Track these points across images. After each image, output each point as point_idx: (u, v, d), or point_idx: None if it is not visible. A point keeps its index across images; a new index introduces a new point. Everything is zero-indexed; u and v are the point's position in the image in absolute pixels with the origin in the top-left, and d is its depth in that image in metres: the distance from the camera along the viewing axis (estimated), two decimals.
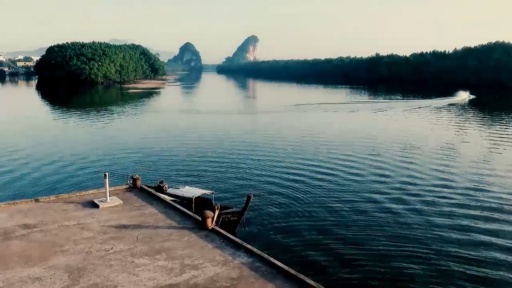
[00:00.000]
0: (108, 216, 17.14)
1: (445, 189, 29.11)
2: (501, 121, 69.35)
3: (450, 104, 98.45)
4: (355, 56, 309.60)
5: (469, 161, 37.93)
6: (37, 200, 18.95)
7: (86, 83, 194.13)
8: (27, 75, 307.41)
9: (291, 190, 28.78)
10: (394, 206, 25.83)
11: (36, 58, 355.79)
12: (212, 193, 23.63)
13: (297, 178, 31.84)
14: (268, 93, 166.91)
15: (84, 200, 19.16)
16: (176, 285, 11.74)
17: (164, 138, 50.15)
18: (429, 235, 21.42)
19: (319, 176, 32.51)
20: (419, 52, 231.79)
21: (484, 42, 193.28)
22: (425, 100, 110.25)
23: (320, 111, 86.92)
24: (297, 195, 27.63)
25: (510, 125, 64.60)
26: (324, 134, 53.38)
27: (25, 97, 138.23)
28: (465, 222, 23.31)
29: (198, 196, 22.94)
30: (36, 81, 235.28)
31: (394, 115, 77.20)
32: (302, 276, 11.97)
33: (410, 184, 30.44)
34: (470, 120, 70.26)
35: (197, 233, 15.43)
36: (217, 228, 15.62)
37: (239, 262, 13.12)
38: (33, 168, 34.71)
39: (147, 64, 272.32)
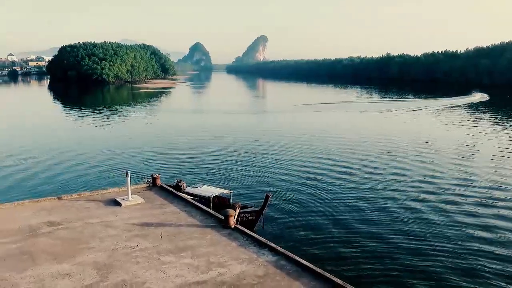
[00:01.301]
0: (131, 214, 17.33)
1: (465, 188, 29.14)
2: None
3: (464, 104, 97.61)
4: (366, 56, 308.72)
5: (488, 160, 37.74)
6: (60, 198, 19.21)
7: (98, 83, 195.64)
8: (39, 75, 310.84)
9: (307, 188, 28.93)
10: (412, 203, 26.06)
11: (47, 58, 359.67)
12: (230, 192, 23.75)
13: (313, 176, 32.00)
14: (279, 92, 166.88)
15: (106, 199, 19.38)
16: (204, 282, 11.86)
17: (179, 137, 50.63)
18: (451, 232, 21.40)
19: (335, 174, 32.69)
20: (430, 51, 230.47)
21: (497, 42, 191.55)
22: (439, 99, 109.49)
23: (333, 110, 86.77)
24: (314, 194, 27.76)
25: None
26: (338, 132, 53.44)
27: (39, 97, 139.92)
28: (487, 219, 23.29)
29: (216, 195, 23.09)
30: (48, 81, 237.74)
31: (406, 114, 76.84)
32: (328, 275, 12.03)
33: (428, 182, 30.53)
34: (484, 119, 69.68)
35: (219, 231, 15.54)
36: (240, 227, 15.74)
37: (264, 260, 13.21)
38: (53, 167, 35.40)
39: (157, 64, 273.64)
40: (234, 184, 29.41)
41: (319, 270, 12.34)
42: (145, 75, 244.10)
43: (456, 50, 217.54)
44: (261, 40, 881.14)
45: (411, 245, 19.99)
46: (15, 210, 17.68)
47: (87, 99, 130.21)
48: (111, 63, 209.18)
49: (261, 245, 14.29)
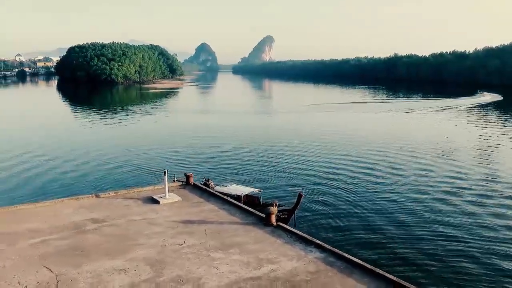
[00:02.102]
0: (171, 212, 17.57)
1: (489, 188, 29.19)
2: None
3: (475, 104, 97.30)
4: (373, 56, 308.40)
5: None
6: (97, 196, 19.48)
7: (107, 83, 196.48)
8: (47, 75, 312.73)
9: (335, 187, 29.32)
10: (438, 202, 26.27)
11: (55, 58, 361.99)
12: (260, 191, 23.99)
13: (337, 175, 32.42)
14: (287, 93, 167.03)
15: (142, 196, 19.64)
16: (258, 278, 12.06)
17: (198, 137, 51.23)
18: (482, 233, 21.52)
19: (358, 172, 33.28)
20: (439, 52, 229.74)
21: (506, 42, 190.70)
22: (446, 100, 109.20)
23: (345, 110, 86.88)
24: (340, 192, 28.10)
25: None
26: (354, 132, 53.80)
27: (50, 98, 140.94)
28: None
29: (246, 194, 23.32)
30: (57, 81, 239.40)
31: (415, 114, 76.83)
32: (380, 271, 12.20)
33: (455, 183, 30.55)
34: (495, 120, 69.56)
35: (262, 229, 15.74)
36: (282, 224, 15.94)
37: (312, 257, 13.39)
38: (81, 166, 36.06)
39: (165, 64, 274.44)
40: (260, 183, 29.64)
41: (370, 266, 12.51)
42: (153, 76, 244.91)
43: (465, 50, 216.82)
44: (267, 41, 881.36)
45: (446, 242, 20.19)
46: (56, 208, 17.96)
47: (98, 99, 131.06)
48: (119, 63, 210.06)
49: (306, 242, 14.47)
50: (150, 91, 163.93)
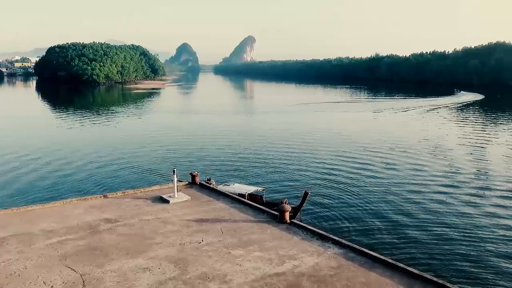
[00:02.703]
0: (182, 211, 17.61)
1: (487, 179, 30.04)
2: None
3: (458, 103, 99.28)
4: (354, 57, 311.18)
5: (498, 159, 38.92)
6: (105, 196, 19.40)
7: (88, 84, 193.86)
8: (25, 75, 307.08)
9: (333, 184, 29.82)
10: (436, 198, 26.73)
11: (33, 59, 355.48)
12: (263, 189, 24.17)
13: (336, 172, 33.06)
14: (270, 93, 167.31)
15: (150, 196, 19.62)
16: (282, 273, 12.23)
17: (195, 137, 51.44)
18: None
19: (358, 170, 34.08)
20: (419, 52, 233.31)
21: (485, 43, 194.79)
22: (432, 99, 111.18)
23: (328, 110, 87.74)
24: (341, 189, 28.71)
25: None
26: (340, 129, 54.36)
27: (31, 98, 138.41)
28: None
29: (250, 193, 23.46)
30: (35, 81, 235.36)
31: (402, 114, 78.10)
32: (401, 265, 12.52)
33: (450, 177, 31.32)
34: (481, 118, 71.20)
35: (277, 226, 15.92)
36: (296, 221, 16.15)
37: (332, 252, 13.63)
38: (80, 168, 35.77)
39: (147, 64, 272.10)
40: (259, 181, 29.86)
41: (391, 260, 12.82)
42: (135, 76, 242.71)
43: (444, 50, 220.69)
44: (249, 41, 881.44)
45: (442, 227, 20.78)
46: (66, 208, 17.84)
47: (80, 100, 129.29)
48: (101, 63, 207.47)
49: (323, 238, 14.71)
50: (133, 91, 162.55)
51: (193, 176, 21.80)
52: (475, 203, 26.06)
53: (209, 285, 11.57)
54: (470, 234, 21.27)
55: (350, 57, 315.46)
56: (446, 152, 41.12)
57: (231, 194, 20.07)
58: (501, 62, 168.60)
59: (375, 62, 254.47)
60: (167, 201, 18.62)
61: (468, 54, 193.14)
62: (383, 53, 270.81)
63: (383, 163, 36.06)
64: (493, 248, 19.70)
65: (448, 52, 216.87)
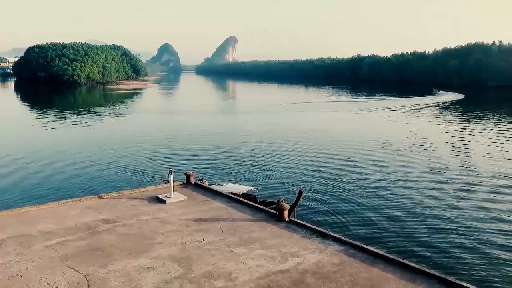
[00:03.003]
0: (180, 211, 17.61)
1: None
2: (490, 119, 72.07)
3: (439, 103, 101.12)
4: (336, 57, 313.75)
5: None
6: (101, 197, 19.26)
7: (69, 84, 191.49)
8: (3, 76, 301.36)
9: (326, 182, 30.43)
10: (423, 192, 27.35)
11: (11, 59, 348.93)
12: (257, 189, 24.33)
13: (326, 170, 33.73)
14: (256, 93, 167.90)
15: (146, 196, 19.56)
16: (287, 271, 12.37)
17: (182, 137, 51.24)
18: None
19: (347, 168, 35.37)
20: (400, 52, 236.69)
21: (464, 43, 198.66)
22: (413, 98, 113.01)
23: (314, 109, 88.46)
24: (334, 187, 29.31)
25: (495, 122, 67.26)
26: (323, 128, 55.00)
27: (10, 98, 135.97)
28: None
29: (243, 192, 23.60)
30: (13, 82, 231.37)
31: (384, 113, 79.22)
32: (402, 260, 12.78)
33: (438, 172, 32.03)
34: (460, 117, 72.73)
35: (276, 224, 16.06)
36: (295, 219, 16.32)
37: (333, 249, 13.82)
38: (65, 169, 35.61)
39: (128, 65, 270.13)
40: (251, 181, 30.05)
41: (391, 256, 13.08)
42: (117, 76, 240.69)
43: (425, 51, 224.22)
44: (231, 41, 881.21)
45: (425, 218, 21.46)
46: (61, 209, 17.67)
47: (62, 101, 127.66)
48: (82, 64, 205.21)
49: (323, 235, 14.90)
50: (115, 92, 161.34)
51: (188, 176, 21.80)
52: (464, 196, 26.91)
53: (215, 283, 11.63)
54: (461, 226, 22.00)
55: (332, 57, 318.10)
56: (431, 149, 42.51)
57: (226, 194, 20.13)
58: (479, 62, 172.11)
59: (357, 63, 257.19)
60: (163, 201, 18.60)
61: (447, 54, 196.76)
62: (365, 53, 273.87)
63: (370, 160, 36.97)
64: (484, 239, 20.28)
65: (428, 52, 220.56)
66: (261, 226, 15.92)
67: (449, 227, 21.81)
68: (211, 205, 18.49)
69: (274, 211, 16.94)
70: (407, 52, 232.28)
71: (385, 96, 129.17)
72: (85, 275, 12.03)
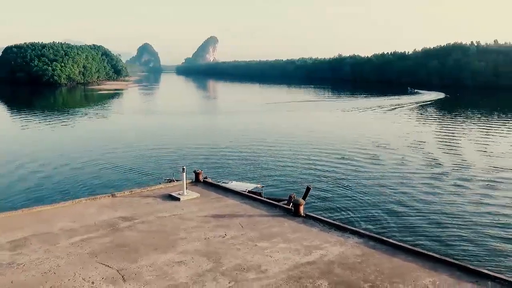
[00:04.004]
0: (196, 207, 17.89)
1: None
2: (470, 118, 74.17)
3: (421, 102, 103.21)
4: (317, 57, 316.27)
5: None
6: (113, 195, 19.38)
7: (50, 85, 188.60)
8: None
9: (326, 177, 31.09)
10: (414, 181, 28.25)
11: None
12: (262, 186, 24.73)
13: (323, 167, 34.49)
14: (239, 93, 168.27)
15: (158, 194, 19.77)
16: (313, 262, 12.81)
17: (175, 136, 51.55)
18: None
19: (346, 164, 36.06)
20: (380, 53, 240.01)
21: (443, 44, 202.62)
22: (395, 98, 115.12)
23: (298, 109, 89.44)
24: (335, 182, 30.04)
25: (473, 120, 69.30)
26: (327, 127, 55.88)
27: None
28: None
29: (250, 190, 23.99)
30: None
31: (364, 113, 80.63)
32: (421, 250, 13.37)
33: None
34: (443, 116, 74.58)
35: (293, 219, 16.49)
36: (311, 214, 16.78)
37: (353, 242, 14.32)
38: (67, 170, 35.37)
39: (109, 65, 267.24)
40: (252, 178, 30.51)
41: (409, 246, 13.65)
42: (98, 77, 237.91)
43: (405, 51, 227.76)
44: (211, 41, 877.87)
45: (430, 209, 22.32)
46: (77, 208, 17.76)
47: (43, 102, 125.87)
48: (62, 64, 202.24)
49: (340, 229, 15.40)
50: (98, 92, 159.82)
51: (197, 174, 22.07)
52: (466, 187, 28.12)
53: (247, 275, 11.99)
54: (465, 218, 22.94)
55: (313, 57, 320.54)
56: (420, 144, 43.87)
57: (237, 191, 20.50)
58: (459, 63, 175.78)
59: (338, 63, 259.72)
60: (177, 199, 18.84)
61: (428, 54, 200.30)
62: (346, 53, 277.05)
63: (367, 157, 37.95)
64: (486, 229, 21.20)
65: (408, 52, 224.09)
66: (279, 221, 16.34)
67: (448, 217, 22.82)
68: (225, 202, 18.82)
69: (289, 207, 17.38)
70: (387, 52, 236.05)
71: (366, 95, 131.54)
72: (117, 270, 12.24)
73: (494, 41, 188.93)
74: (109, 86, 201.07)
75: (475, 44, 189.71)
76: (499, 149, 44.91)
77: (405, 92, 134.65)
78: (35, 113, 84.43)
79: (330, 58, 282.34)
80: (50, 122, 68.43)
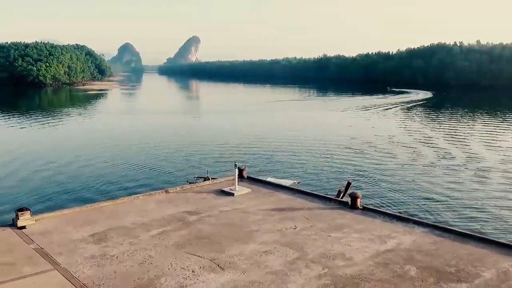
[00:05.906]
0: (252, 202, 18.40)
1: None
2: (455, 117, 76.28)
3: (408, 101, 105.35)
4: (302, 57, 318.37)
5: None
6: (167, 192, 19.78)
7: (34, 85, 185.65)
8: None
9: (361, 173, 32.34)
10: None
11: None
12: (299, 182, 25.35)
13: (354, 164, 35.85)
14: (226, 93, 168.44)
15: (209, 190, 20.18)
16: (392, 250, 13.48)
17: (198, 137, 52.14)
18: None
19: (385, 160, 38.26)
20: (365, 53, 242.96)
21: (427, 44, 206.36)
22: (382, 97, 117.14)
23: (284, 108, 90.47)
24: (370, 179, 31.17)
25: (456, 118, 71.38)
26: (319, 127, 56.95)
27: None
28: None
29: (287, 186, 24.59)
30: None
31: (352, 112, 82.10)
32: (490, 237, 14.21)
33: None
34: (434, 114, 76.49)
35: (352, 212, 17.13)
36: (369, 206, 17.50)
37: (420, 231, 15.02)
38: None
39: (93, 65, 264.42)
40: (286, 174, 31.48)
41: (478, 234, 14.48)
42: (82, 77, 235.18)
43: (389, 51, 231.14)
44: (193, 41, 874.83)
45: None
46: (137, 203, 18.06)
47: (28, 103, 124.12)
48: (47, 64, 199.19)
49: (403, 220, 16.12)
50: (85, 93, 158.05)
51: (241, 170, 22.55)
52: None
53: (335, 263, 12.59)
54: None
55: (298, 57, 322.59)
56: (412, 144, 45.56)
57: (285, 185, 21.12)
58: (443, 62, 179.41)
59: (323, 63, 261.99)
60: (231, 194, 19.30)
61: (412, 54, 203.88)
62: (331, 54, 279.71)
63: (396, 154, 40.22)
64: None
65: (393, 52, 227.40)
66: (340, 214, 16.98)
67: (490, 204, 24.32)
68: (278, 196, 19.38)
69: (343, 200, 18.07)
70: (372, 53, 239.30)
71: (353, 95, 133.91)
72: (210, 260, 12.71)
73: (477, 41, 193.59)
74: (95, 86, 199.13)
75: (458, 44, 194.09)
76: None
77: (385, 91, 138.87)
78: (50, 115, 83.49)
79: (315, 58, 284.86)
80: (66, 123, 68.10)
